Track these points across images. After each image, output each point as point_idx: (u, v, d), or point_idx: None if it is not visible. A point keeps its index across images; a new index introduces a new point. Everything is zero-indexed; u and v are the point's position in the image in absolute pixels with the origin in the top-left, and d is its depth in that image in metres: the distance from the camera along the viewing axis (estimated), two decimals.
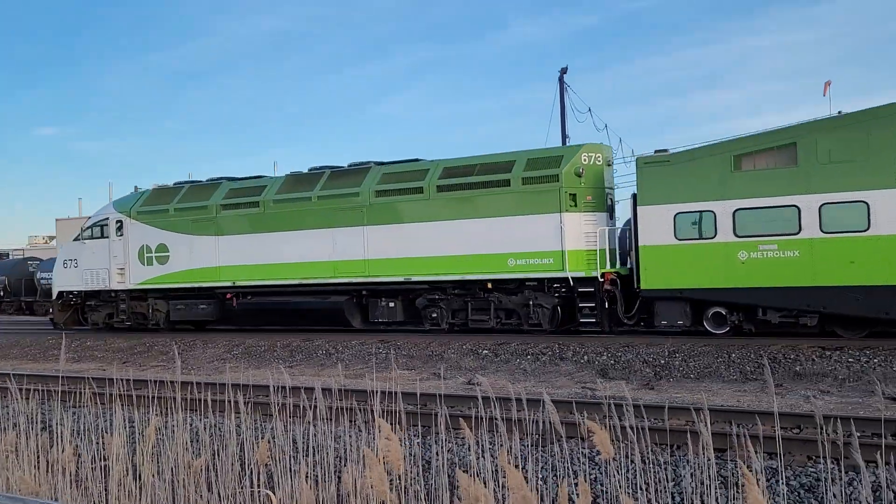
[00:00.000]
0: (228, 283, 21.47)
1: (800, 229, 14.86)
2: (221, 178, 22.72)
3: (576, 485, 4.67)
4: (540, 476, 6.90)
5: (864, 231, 14.35)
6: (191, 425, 8.08)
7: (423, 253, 18.72)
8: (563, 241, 17.08)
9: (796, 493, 6.59)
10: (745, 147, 15.60)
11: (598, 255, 17.15)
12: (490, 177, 18.03)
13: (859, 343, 13.96)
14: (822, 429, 6.51)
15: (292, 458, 6.67)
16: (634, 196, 17.19)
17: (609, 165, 17.96)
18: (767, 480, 6.47)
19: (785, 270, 14.93)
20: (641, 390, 11.85)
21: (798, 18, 74.31)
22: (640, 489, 6.01)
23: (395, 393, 8.11)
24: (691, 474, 6.05)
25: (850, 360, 12.82)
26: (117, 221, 23.54)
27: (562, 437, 6.38)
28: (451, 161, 18.97)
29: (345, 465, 6.28)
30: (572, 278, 17.00)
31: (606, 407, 6.68)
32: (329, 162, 21.63)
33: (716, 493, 5.61)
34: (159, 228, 22.75)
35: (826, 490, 6.20)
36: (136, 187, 25.13)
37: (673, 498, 6.45)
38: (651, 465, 6.34)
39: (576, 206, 17.21)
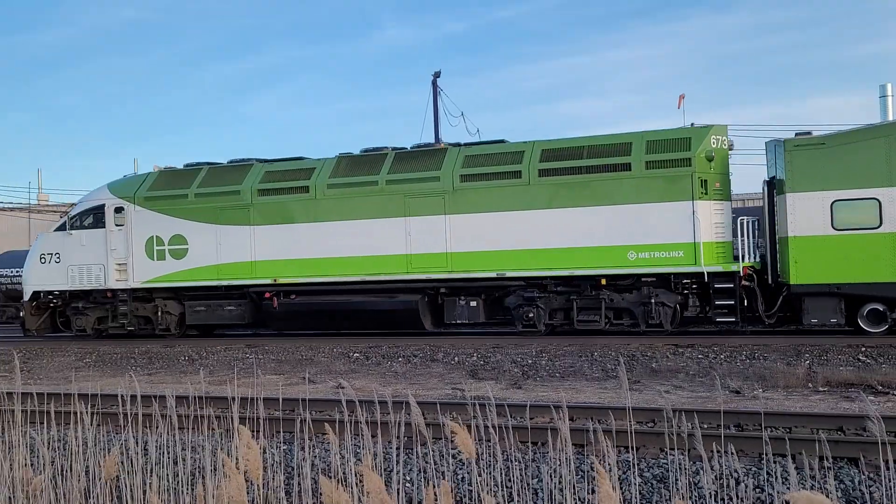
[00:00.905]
0: (267, 281, 18.43)
1: None
2: (251, 159, 19.59)
3: (437, 485, 4.78)
4: (407, 478, 7.12)
5: None
6: (31, 439, 7.45)
7: (520, 245, 16.53)
8: (696, 231, 15.36)
9: (650, 484, 6.87)
10: None
11: (730, 248, 15.58)
12: (605, 160, 16.06)
13: (707, 341, 14.54)
14: (669, 422, 6.71)
15: (144, 471, 6.50)
16: (769, 182, 15.70)
17: (731, 150, 16.38)
18: (624, 473, 6.81)
19: None
20: (510, 389, 11.96)
21: (657, 34, 77.86)
22: (503, 487, 6.27)
23: (258, 399, 7.65)
24: (554, 469, 6.19)
25: (699, 356, 13.62)
26: (117, 208, 19.90)
27: (427, 439, 6.35)
28: (550, 142, 16.86)
29: (202, 476, 6.13)
30: (708, 273, 15.30)
31: (471, 407, 6.77)
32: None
33: (574, 487, 5.85)
34: (174, 217, 19.35)
35: (673, 480, 6.46)
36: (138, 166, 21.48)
37: (536, 494, 6.65)
38: (513, 463, 6.56)
39: (706, 193, 15.53)
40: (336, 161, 18.48)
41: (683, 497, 5.99)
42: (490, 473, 6.34)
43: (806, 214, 14.72)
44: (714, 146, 15.71)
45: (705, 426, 7.76)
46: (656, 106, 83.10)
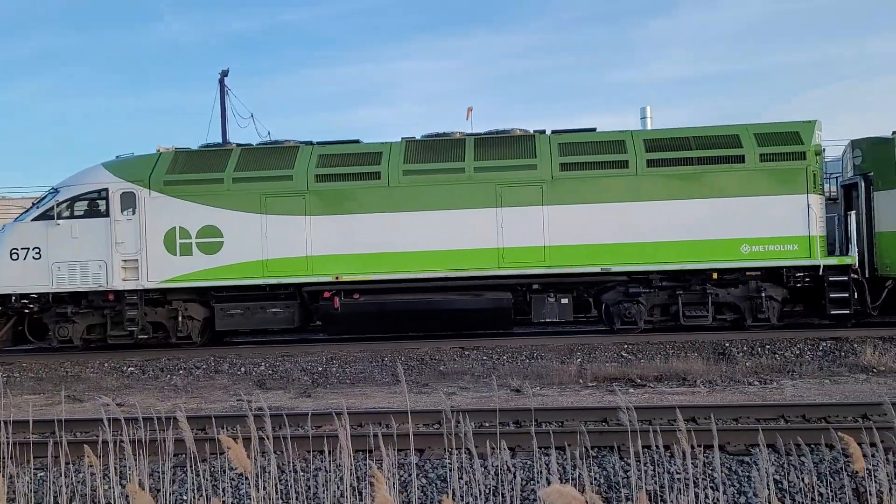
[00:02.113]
0: (328, 278, 16.21)
1: None
2: (287, 141, 17.21)
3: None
4: (184, 497, 6.97)
5: None
6: None
7: (624, 239, 15.77)
8: (811, 225, 15.42)
9: (434, 485, 7.00)
10: None
11: (837, 241, 15.85)
12: (717, 152, 15.71)
13: (490, 343, 15.03)
14: (448, 422, 6.92)
15: None
16: (867, 177, 16.10)
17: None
18: (409, 475, 6.88)
19: None
20: (299, 399, 11.92)
21: (444, 48, 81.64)
22: (283, 498, 6.35)
23: (7, 422, 7.35)
24: (341, 478, 6.16)
25: (484, 358, 14.24)
26: (126, 194, 16.66)
27: (197, 456, 6.32)
28: (652, 132, 16.29)
29: None
30: (824, 266, 15.40)
31: (250, 419, 6.63)
32: None
33: (358, 494, 5.97)
34: (205, 205, 16.50)
35: (450, 479, 6.67)
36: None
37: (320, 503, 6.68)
38: (294, 474, 6.60)
39: (815, 187, 15.66)
40: (404, 145, 16.67)
41: (455, 496, 6.35)
42: (265, 487, 6.27)
43: None
44: (819, 141, 15.88)
45: (487, 424, 8.25)
46: (444, 117, 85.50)
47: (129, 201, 16.63)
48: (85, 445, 5.92)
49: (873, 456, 5.22)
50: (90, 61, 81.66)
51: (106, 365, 15.14)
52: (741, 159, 15.62)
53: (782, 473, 6.66)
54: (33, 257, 16.69)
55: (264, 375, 14.08)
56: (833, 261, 15.47)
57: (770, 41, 78.72)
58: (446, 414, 7.06)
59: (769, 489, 5.33)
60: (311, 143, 17.13)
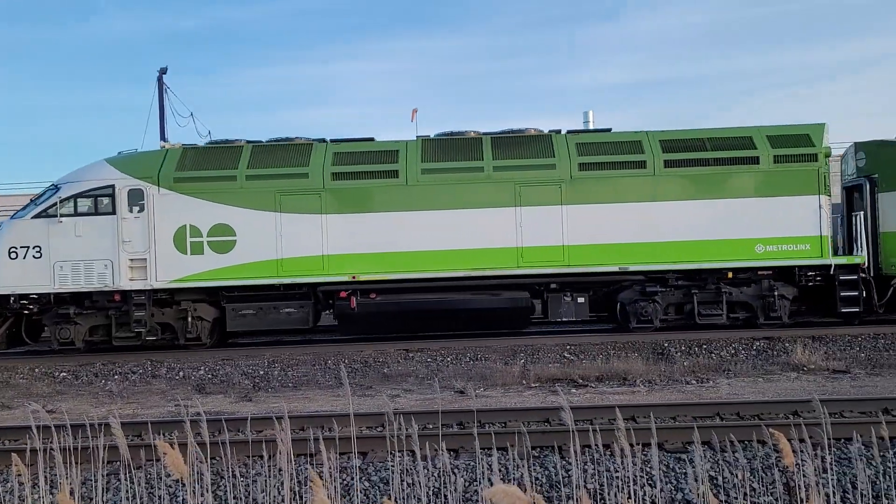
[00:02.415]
0: (344, 278, 15.99)
1: None
2: (298, 138, 16.90)
3: None
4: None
5: None
6: None
7: (641, 238, 15.93)
8: (822, 225, 15.82)
9: (377, 487, 7.08)
10: None
11: (841, 242, 16.29)
12: (733, 153, 15.99)
13: (435, 345, 15.13)
14: (391, 424, 7.05)
15: None
16: (871, 179, 16.58)
17: None
18: (352, 479, 6.97)
19: None
20: (240, 403, 11.85)
21: (386, 49, 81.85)
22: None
23: None
24: (282, 483, 6.24)
25: (428, 360, 14.23)
26: (133, 191, 16.15)
27: (130, 462, 6.39)
28: (667, 133, 16.47)
29: None
30: (835, 265, 15.81)
31: (187, 424, 6.58)
32: None
33: (300, 498, 6.02)
34: (217, 203, 16.10)
35: (393, 481, 6.75)
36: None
37: None
38: (231, 480, 6.60)
39: (825, 188, 16.06)
40: (420, 144, 16.54)
41: (398, 498, 6.36)
42: (203, 493, 6.23)
43: None
44: (828, 143, 16.30)
45: (431, 426, 8.22)
46: (389, 117, 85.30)
47: (136, 199, 16.12)
48: (13, 454, 5.76)
49: (802, 451, 5.37)
50: (23, 55, 78.61)
51: (37, 370, 14.70)
52: (756, 160, 15.93)
53: (717, 470, 6.83)
54: (33, 256, 16.06)
55: (204, 380, 13.81)
56: (843, 260, 15.90)
57: (714, 48, 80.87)
58: (389, 416, 7.07)
59: (703, 485, 5.46)
60: (323, 140, 16.87)
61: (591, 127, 26.78)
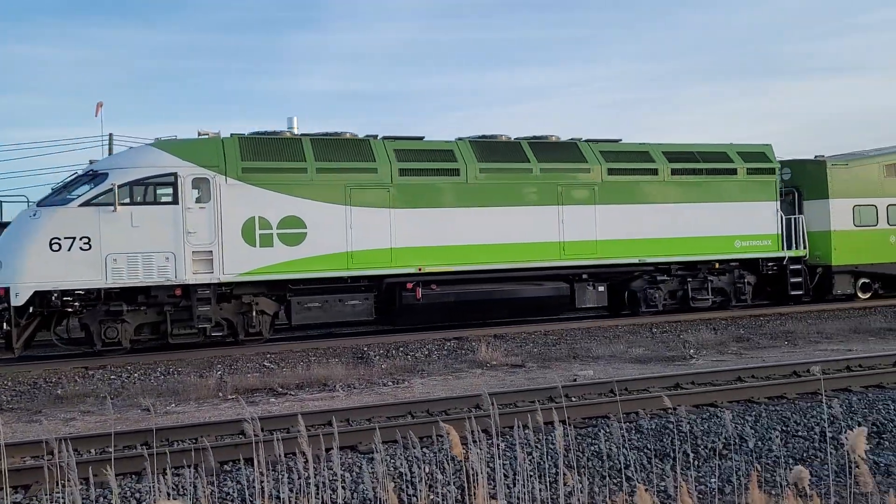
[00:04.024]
0: (410, 270, 16.69)
1: None
2: (344, 133, 17.16)
3: None
4: None
5: None
6: None
7: (655, 234, 18.69)
8: (778, 225, 19.81)
9: None
10: (890, 159, 21.29)
11: (783, 239, 20.47)
12: (719, 164, 19.38)
13: (119, 361, 14.56)
14: (61, 453, 6.21)
15: None
16: (798, 190, 20.94)
17: None
18: None
19: None
20: None
21: (76, 36, 78.33)
22: None
23: None
24: None
25: (112, 377, 13.43)
26: (199, 179, 15.36)
27: None
28: (668, 146, 19.39)
29: None
30: (789, 257, 19.86)
31: None
32: None
33: None
34: (287, 195, 15.91)
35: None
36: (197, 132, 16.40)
37: None
38: None
39: (778, 196, 20.08)
40: (470, 145, 17.73)
41: None
42: None
43: (840, 215, 20.43)
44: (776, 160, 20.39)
45: (122, 447, 8.04)
46: (73, 110, 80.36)
47: (202, 188, 15.39)
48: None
49: (475, 442, 5.55)
50: None
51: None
52: (735, 172, 19.50)
53: (405, 466, 7.14)
54: (81, 248, 14.65)
55: None
56: (793, 253, 20.02)
57: (414, 65, 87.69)
58: (48, 445, 6.50)
59: (386, 481, 5.56)
60: (375, 136, 17.32)
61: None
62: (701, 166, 19.29)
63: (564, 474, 5.92)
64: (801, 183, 21.04)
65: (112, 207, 14.79)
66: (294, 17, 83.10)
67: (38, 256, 14.44)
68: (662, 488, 6.76)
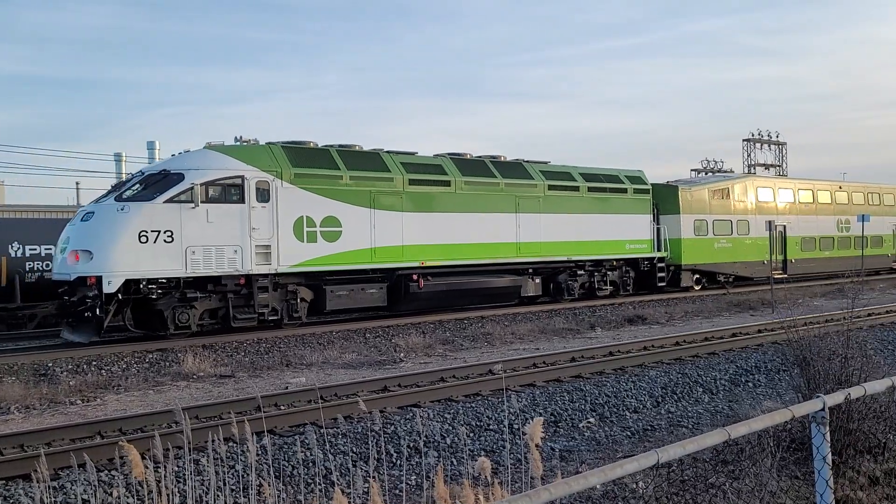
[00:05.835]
0: (416, 264, 19.97)
1: (731, 232, 28.77)
2: (351, 145, 19.95)
3: None
4: None
5: (747, 234, 29.40)
6: None
7: (576, 237, 23.72)
8: (651, 233, 25.94)
9: None
10: (715, 186, 28.50)
11: (655, 243, 26.74)
12: (616, 185, 24.95)
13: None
14: None
15: None
16: (657, 206, 27.30)
17: None
18: None
19: (724, 254, 28.55)
20: None
21: None
22: None
23: None
24: None
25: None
26: (261, 182, 17.35)
27: None
28: (584, 169, 24.54)
29: None
30: (658, 258, 26.05)
31: None
32: None
33: None
34: (327, 198, 18.40)
35: None
36: (239, 137, 17.94)
37: None
38: None
39: (651, 210, 26.19)
40: (451, 160, 21.37)
41: None
42: None
43: (686, 227, 27.15)
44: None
45: None
46: None
47: (263, 189, 17.42)
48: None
49: (167, 458, 5.39)
50: None
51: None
52: (626, 191, 25.24)
53: (78, 492, 6.66)
54: (165, 240, 16.14)
55: None
56: (660, 254, 26.25)
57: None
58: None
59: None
60: (382, 150, 20.32)
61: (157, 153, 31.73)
62: (605, 185, 24.75)
63: (259, 485, 5.93)
64: (659, 201, 27.40)
65: (192, 204, 16.39)
66: None
67: (128, 248, 15.67)
68: (366, 489, 6.25)
